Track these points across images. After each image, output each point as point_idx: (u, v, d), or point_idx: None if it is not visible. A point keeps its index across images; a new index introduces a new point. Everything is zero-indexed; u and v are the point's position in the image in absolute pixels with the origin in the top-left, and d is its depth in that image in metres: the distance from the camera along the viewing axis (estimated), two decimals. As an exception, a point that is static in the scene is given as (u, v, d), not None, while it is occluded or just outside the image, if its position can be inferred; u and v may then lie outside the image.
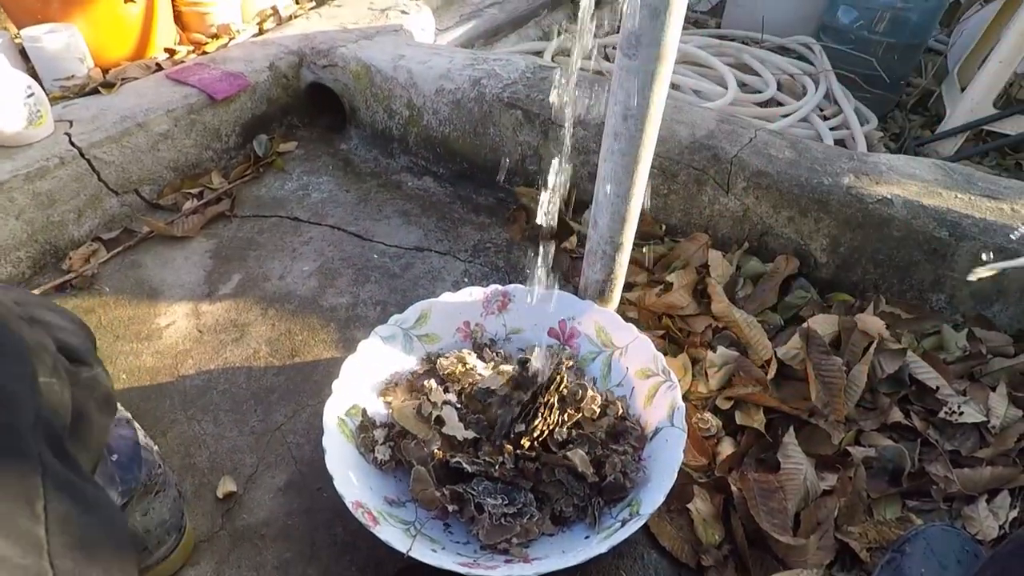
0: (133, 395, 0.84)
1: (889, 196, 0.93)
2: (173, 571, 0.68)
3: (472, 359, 0.79)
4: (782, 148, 1.03)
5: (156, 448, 0.71)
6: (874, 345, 0.82)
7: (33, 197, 0.99)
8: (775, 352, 0.85)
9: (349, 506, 0.64)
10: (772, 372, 0.83)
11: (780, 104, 1.76)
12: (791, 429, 0.77)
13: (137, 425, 0.71)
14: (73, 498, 0.38)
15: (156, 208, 1.13)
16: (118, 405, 0.69)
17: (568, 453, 0.70)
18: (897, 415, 0.79)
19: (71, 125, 1.07)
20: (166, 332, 0.93)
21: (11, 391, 0.38)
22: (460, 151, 1.23)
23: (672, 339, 0.92)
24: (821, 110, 1.79)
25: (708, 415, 0.81)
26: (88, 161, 1.04)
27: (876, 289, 0.96)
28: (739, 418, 0.80)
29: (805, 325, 0.85)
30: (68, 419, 0.46)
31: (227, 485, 0.75)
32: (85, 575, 0.36)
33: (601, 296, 0.88)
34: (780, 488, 0.72)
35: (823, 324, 0.87)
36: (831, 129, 1.67)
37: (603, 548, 0.61)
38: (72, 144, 1.04)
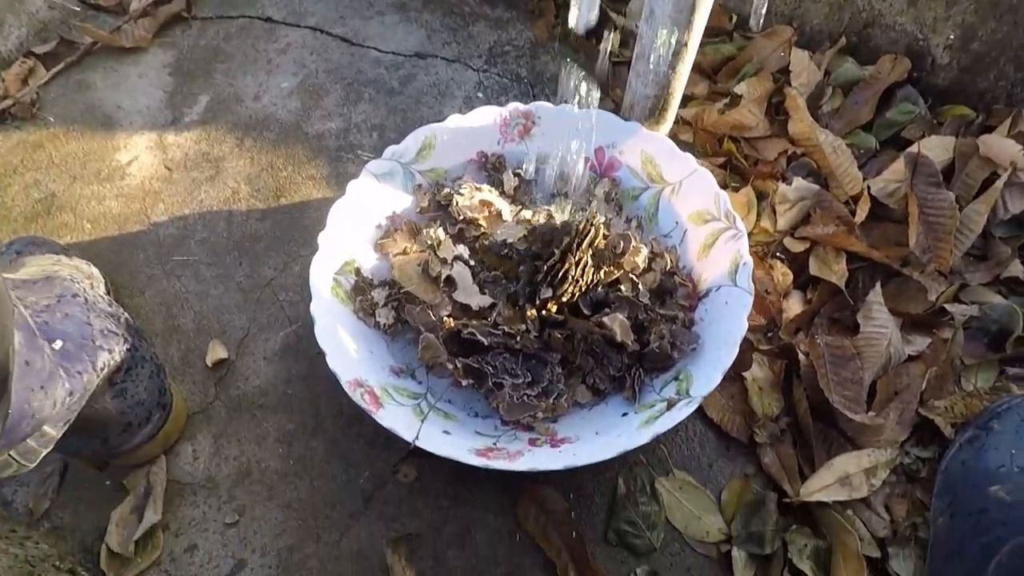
0: (102, 247, 0.73)
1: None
2: (166, 447, 0.62)
3: (498, 200, 0.64)
4: None
5: (125, 316, 0.61)
6: (1004, 177, 0.64)
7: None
8: (867, 186, 0.67)
9: (345, 387, 0.54)
10: (863, 213, 0.66)
11: None
12: (877, 285, 0.63)
13: (96, 293, 0.60)
14: None
15: (95, 9, 0.92)
16: (67, 275, 0.58)
17: (605, 319, 0.58)
18: (1017, 268, 0.64)
19: None
20: (129, 170, 0.79)
21: None
22: (468, -84, 0.95)
23: (735, 168, 0.75)
24: None
25: (775, 262, 0.67)
26: (-6, -53, 0.82)
27: (1010, 101, 0.74)
28: (814, 267, 0.66)
29: (914, 149, 0.67)
30: None
31: (217, 351, 0.66)
32: None
33: (651, 116, 0.70)
34: (856, 355, 0.60)
35: (935, 148, 0.68)
36: None
37: (644, 438, 0.51)
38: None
